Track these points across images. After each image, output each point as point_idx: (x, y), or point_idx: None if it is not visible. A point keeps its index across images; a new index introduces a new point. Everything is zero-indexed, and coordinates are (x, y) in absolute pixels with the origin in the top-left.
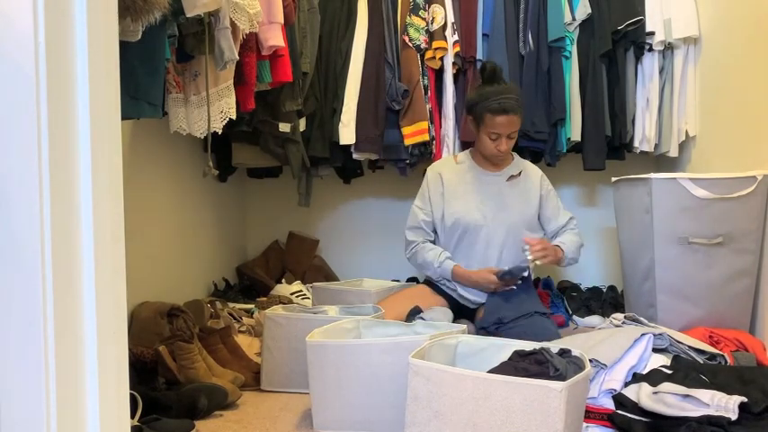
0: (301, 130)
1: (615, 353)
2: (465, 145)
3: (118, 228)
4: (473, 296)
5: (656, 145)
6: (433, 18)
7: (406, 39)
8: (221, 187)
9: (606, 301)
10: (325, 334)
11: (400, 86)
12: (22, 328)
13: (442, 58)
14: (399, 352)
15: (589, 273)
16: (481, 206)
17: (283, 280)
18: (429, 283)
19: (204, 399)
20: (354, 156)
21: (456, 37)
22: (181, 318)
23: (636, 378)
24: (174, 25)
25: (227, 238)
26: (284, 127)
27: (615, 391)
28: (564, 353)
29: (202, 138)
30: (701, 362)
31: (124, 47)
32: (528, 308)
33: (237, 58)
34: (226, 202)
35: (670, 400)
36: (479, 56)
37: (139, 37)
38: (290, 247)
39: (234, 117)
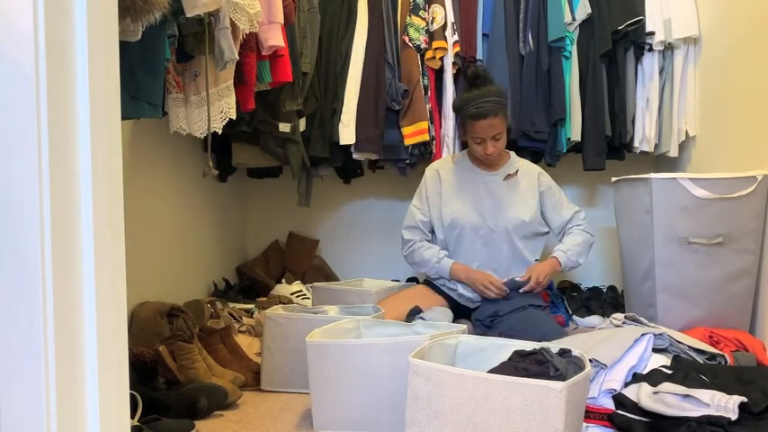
0: (301, 130)
1: (615, 353)
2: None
3: (118, 228)
4: (473, 295)
5: (656, 145)
6: (433, 18)
7: (406, 39)
8: (221, 187)
9: (606, 301)
10: (325, 334)
11: (400, 86)
12: (22, 328)
13: (442, 58)
14: (399, 352)
15: (589, 273)
16: (478, 206)
17: (283, 280)
18: (429, 283)
19: (204, 399)
20: (354, 156)
21: (456, 37)
22: (181, 318)
23: (636, 378)
24: (174, 25)
25: (227, 238)
26: (284, 127)
27: (615, 391)
28: (564, 353)
29: (202, 138)
30: (701, 362)
31: (124, 47)
32: (524, 301)
33: (237, 58)
34: (226, 202)
35: (670, 400)
36: (479, 56)
37: (139, 37)
38: (290, 247)
39: (234, 117)
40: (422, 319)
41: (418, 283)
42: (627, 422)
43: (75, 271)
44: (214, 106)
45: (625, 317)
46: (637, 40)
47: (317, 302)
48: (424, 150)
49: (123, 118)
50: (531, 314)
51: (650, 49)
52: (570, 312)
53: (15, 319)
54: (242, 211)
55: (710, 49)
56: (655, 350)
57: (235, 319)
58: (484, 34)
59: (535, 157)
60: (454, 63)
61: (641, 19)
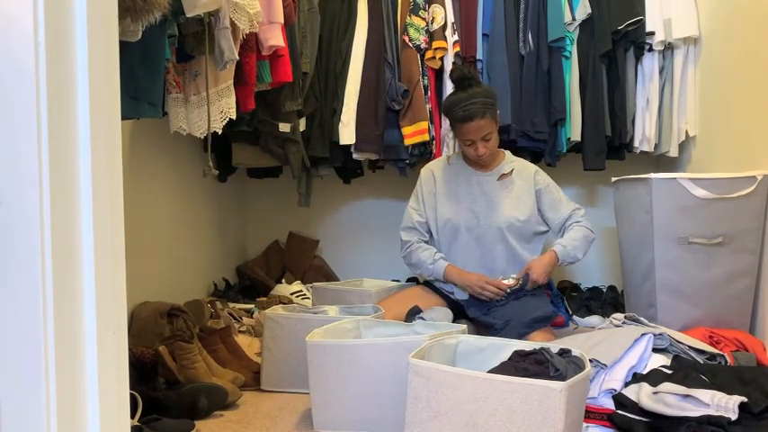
0: (301, 130)
1: (615, 353)
2: None
3: (118, 228)
4: (467, 297)
5: (656, 145)
6: (433, 18)
7: (406, 39)
8: (221, 187)
9: (606, 301)
10: (325, 334)
11: (400, 86)
12: (22, 328)
13: (442, 58)
14: (399, 352)
15: (589, 273)
16: (473, 206)
17: (283, 280)
18: (429, 283)
19: (204, 399)
20: (354, 156)
21: (456, 37)
22: (181, 318)
23: (636, 378)
24: (174, 25)
25: (227, 238)
26: (284, 127)
27: (615, 391)
28: (564, 353)
29: (202, 138)
30: (701, 362)
31: (124, 47)
32: (519, 293)
33: (237, 58)
34: (226, 202)
35: (670, 400)
36: (479, 56)
37: (139, 37)
38: (290, 247)
39: (234, 117)
40: (422, 319)
41: (418, 283)
42: (627, 422)
43: (75, 271)
44: (214, 106)
45: (625, 317)
46: (637, 40)
47: (317, 302)
48: (424, 150)
49: (123, 118)
50: (527, 300)
51: (650, 49)
52: (570, 312)
53: (15, 319)
54: (242, 211)
55: (710, 49)
56: (655, 350)
57: (235, 319)
58: (484, 34)
59: (535, 157)
60: (454, 63)
61: (641, 19)
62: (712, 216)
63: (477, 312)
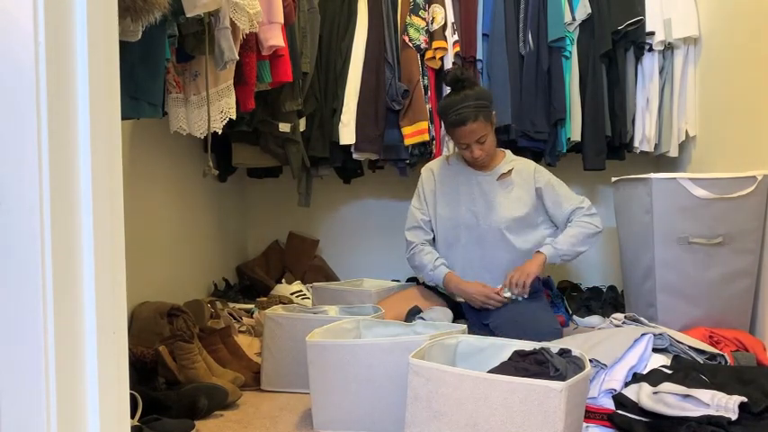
0: (301, 130)
1: (615, 353)
2: None
3: (118, 228)
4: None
5: (656, 145)
6: (433, 18)
7: (406, 39)
8: (221, 187)
9: (606, 301)
10: (325, 334)
11: (400, 86)
12: (22, 328)
13: (442, 58)
14: (399, 352)
15: (589, 273)
16: (472, 206)
17: (283, 280)
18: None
19: (204, 399)
20: (354, 156)
21: (456, 37)
22: (181, 318)
23: (636, 378)
24: (174, 25)
25: (227, 238)
26: (284, 127)
27: (615, 391)
28: (564, 353)
29: (202, 138)
30: (701, 362)
31: (124, 47)
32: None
33: (237, 58)
34: (226, 202)
35: (670, 400)
36: (479, 56)
37: (139, 37)
38: (290, 247)
39: (234, 117)
40: (422, 319)
41: (418, 283)
42: (627, 422)
43: (75, 271)
44: (214, 106)
45: (625, 317)
46: (637, 40)
47: (317, 302)
48: (424, 150)
49: (123, 118)
50: (523, 309)
51: (650, 49)
52: (570, 312)
53: (15, 320)
54: (242, 211)
55: (710, 49)
56: (655, 350)
57: (235, 319)
58: (484, 34)
59: (535, 157)
60: (454, 63)
61: (641, 19)
62: (712, 216)
63: (475, 320)
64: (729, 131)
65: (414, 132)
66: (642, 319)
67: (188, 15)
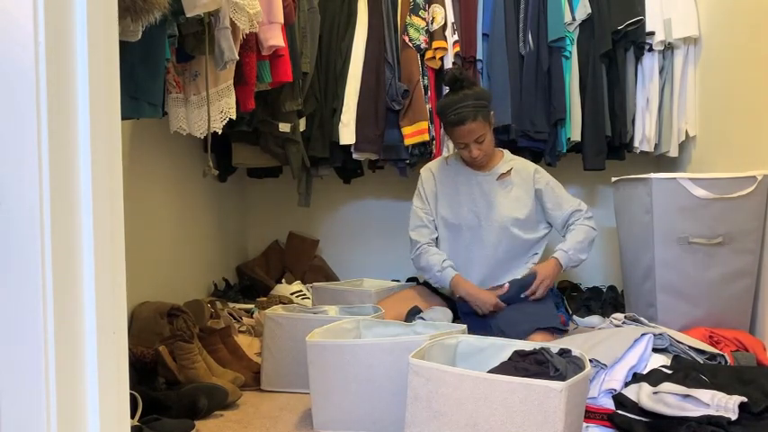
0: (301, 130)
1: (615, 353)
2: None
3: (118, 228)
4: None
5: (656, 145)
6: (433, 18)
7: (406, 39)
8: (221, 187)
9: (606, 301)
10: (325, 334)
11: (400, 86)
12: (23, 327)
13: (442, 58)
14: (399, 352)
15: (589, 273)
16: (473, 207)
17: (283, 280)
18: (429, 283)
19: (204, 399)
20: (354, 156)
21: (456, 37)
22: (181, 318)
23: (636, 378)
24: (174, 25)
25: (227, 238)
26: (284, 127)
27: (615, 391)
28: (564, 353)
29: (202, 138)
30: (701, 362)
31: (124, 47)
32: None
33: (237, 58)
34: (226, 202)
35: (670, 400)
36: (479, 56)
37: (139, 37)
38: (290, 247)
39: (234, 117)
40: (422, 319)
41: (418, 283)
42: (627, 422)
43: (76, 271)
44: (214, 106)
45: (625, 317)
46: (637, 40)
47: (317, 302)
48: (424, 150)
49: (123, 118)
50: (525, 307)
51: (650, 49)
52: (570, 312)
53: (15, 319)
54: (242, 211)
55: (710, 49)
56: (655, 350)
57: (235, 319)
58: (484, 34)
59: (535, 157)
60: (454, 63)
61: (641, 19)
62: (712, 216)
63: (472, 322)
64: (729, 131)
65: (414, 132)
66: (642, 319)
67: (188, 15)
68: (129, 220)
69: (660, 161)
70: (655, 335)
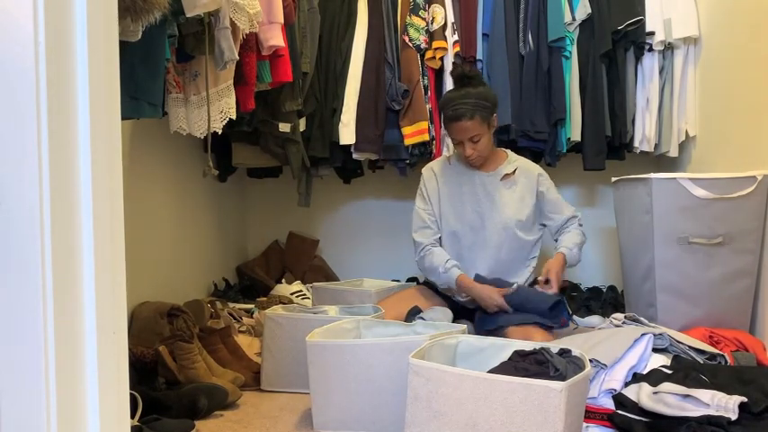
0: (301, 130)
1: (615, 353)
2: None
3: (118, 228)
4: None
5: (656, 145)
6: (433, 18)
7: (406, 39)
8: (221, 187)
9: (606, 301)
10: (325, 334)
11: (400, 86)
12: (22, 328)
13: (442, 58)
14: (399, 352)
15: (589, 273)
16: (477, 207)
17: (283, 280)
18: (429, 283)
19: (204, 399)
20: (354, 156)
21: (456, 37)
22: (181, 318)
23: (636, 378)
24: (174, 25)
25: (227, 238)
26: (284, 127)
27: (615, 391)
28: (564, 353)
29: (202, 138)
30: (701, 362)
31: (124, 47)
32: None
33: (237, 58)
34: (226, 202)
35: (670, 400)
36: (479, 56)
37: (139, 37)
38: (290, 247)
39: (234, 117)
40: (422, 319)
41: (418, 283)
42: (627, 422)
43: (76, 271)
44: (214, 106)
45: (625, 317)
46: (637, 40)
47: (317, 302)
48: (424, 150)
49: (123, 118)
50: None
51: (650, 49)
52: (570, 312)
53: (15, 320)
54: (242, 211)
55: (710, 49)
56: (655, 350)
57: (235, 319)
58: (484, 34)
59: (535, 157)
60: (454, 63)
61: (641, 19)
62: (712, 216)
63: (487, 323)
64: (729, 131)
65: (414, 132)
66: (642, 319)
67: (188, 15)
68: (129, 220)
69: (660, 161)
70: (655, 335)
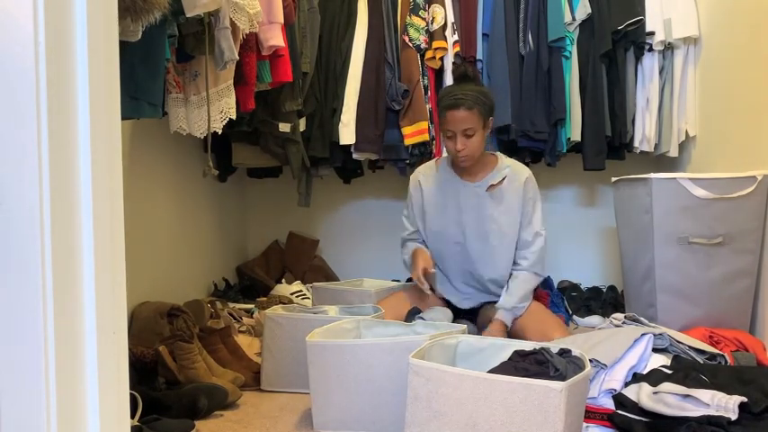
0: (301, 130)
1: (615, 353)
2: None
3: (118, 228)
4: (467, 301)
5: (656, 145)
6: (433, 18)
7: (406, 39)
8: (221, 187)
9: (606, 301)
10: (325, 334)
11: (400, 86)
12: (23, 327)
13: (442, 58)
14: (399, 352)
15: (589, 273)
16: (460, 219)
17: (283, 280)
18: None
19: (204, 399)
20: (354, 156)
21: (456, 37)
22: (181, 318)
23: (636, 378)
24: (174, 25)
25: (227, 238)
26: (284, 127)
27: (615, 391)
28: (564, 353)
29: (202, 138)
30: (701, 362)
31: (124, 47)
32: None
33: (237, 58)
34: (226, 202)
35: (670, 400)
36: (479, 56)
37: (139, 37)
38: (290, 247)
39: (234, 117)
40: (422, 319)
41: None
42: (627, 422)
43: (75, 271)
44: (214, 106)
45: (625, 317)
46: (637, 40)
47: (317, 302)
48: (424, 150)
49: (123, 118)
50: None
51: (650, 49)
52: (570, 312)
53: (15, 320)
54: (242, 211)
55: (710, 49)
56: (655, 350)
57: (235, 319)
58: (484, 34)
59: (535, 157)
60: (454, 63)
61: (641, 19)
62: (712, 216)
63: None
64: (729, 131)
65: (414, 132)
66: (642, 319)
67: (188, 15)
68: (129, 220)
69: (660, 161)
70: (655, 335)
